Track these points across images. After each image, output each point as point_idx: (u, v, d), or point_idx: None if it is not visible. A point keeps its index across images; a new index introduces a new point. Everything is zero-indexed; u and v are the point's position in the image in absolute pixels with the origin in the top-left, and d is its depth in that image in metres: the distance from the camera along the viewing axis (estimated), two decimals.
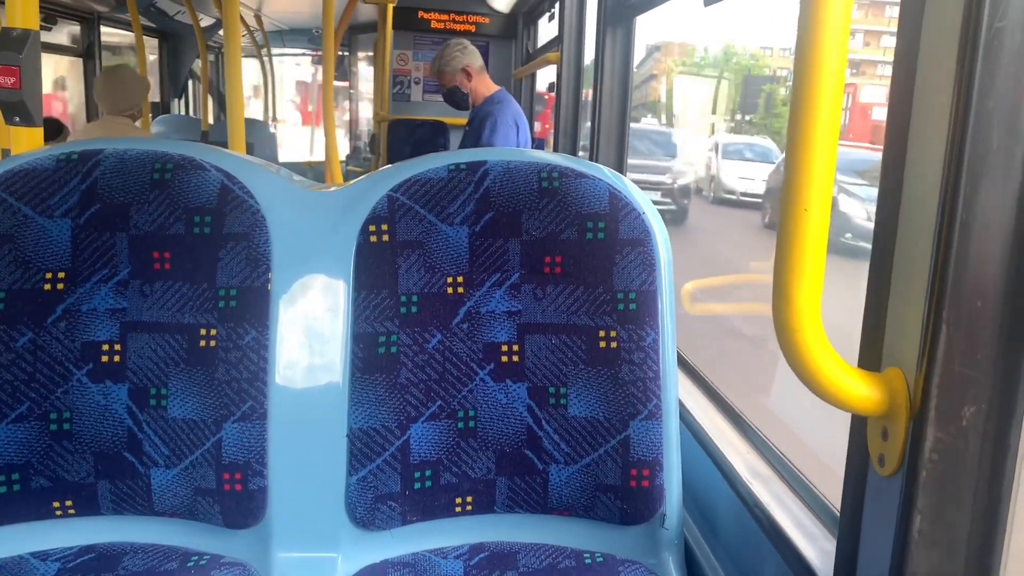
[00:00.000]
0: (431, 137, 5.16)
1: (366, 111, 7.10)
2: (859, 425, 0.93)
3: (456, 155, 1.38)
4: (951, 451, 0.80)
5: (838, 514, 1.15)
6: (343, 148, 7.21)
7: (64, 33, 5.35)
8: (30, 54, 1.34)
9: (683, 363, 1.84)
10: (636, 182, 1.39)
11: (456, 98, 3.84)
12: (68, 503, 1.30)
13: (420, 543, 1.34)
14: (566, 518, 1.35)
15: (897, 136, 0.85)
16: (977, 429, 0.79)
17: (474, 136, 3.68)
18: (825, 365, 0.82)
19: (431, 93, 5.47)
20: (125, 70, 3.73)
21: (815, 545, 1.13)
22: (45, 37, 4.60)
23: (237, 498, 1.28)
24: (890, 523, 0.84)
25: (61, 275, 1.28)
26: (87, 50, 5.41)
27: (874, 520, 0.90)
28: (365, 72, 7.10)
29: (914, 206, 0.83)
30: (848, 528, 0.95)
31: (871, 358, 0.90)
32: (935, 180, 0.78)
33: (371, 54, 6.39)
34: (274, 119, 9.21)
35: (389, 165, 1.42)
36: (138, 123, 3.60)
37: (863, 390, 0.84)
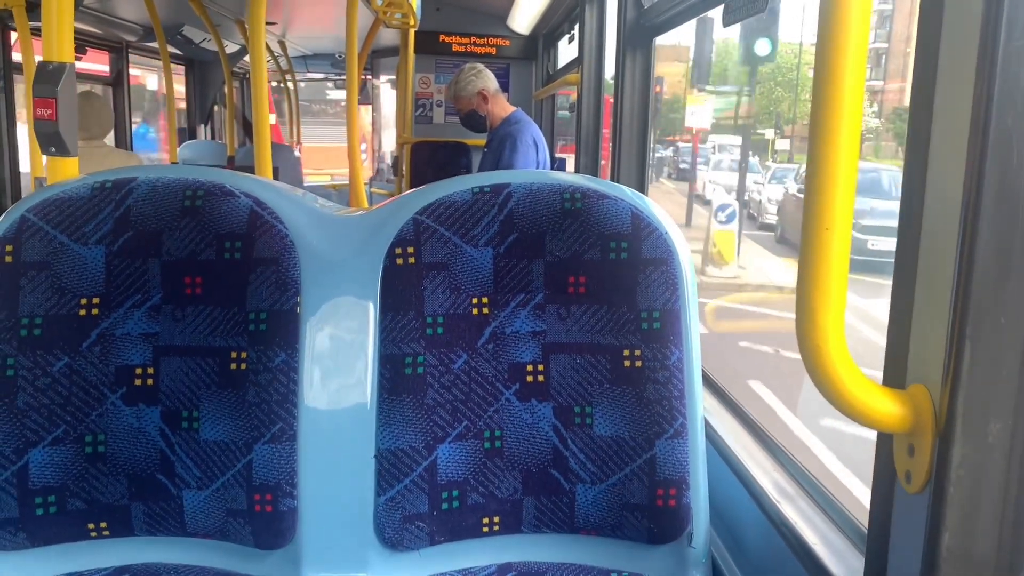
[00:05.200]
0: (453, 158, 5.21)
1: (389, 134, 7.18)
2: (885, 442, 0.93)
3: (480, 178, 1.40)
4: (978, 467, 0.80)
5: (865, 531, 1.15)
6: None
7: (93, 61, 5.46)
8: (66, 86, 1.38)
9: (707, 381, 1.84)
10: None
11: (474, 121, 3.88)
12: (103, 525, 1.32)
13: (448, 563, 1.35)
14: (593, 538, 1.36)
15: (919, 149, 0.86)
16: (1004, 445, 0.79)
17: (493, 157, 3.71)
18: (850, 382, 0.82)
19: (452, 115, 5.51)
20: (93, 97, 3.69)
21: (843, 563, 1.12)
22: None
23: (268, 519, 1.29)
24: (918, 540, 0.84)
25: (96, 301, 1.31)
26: (116, 78, 5.52)
27: (902, 537, 0.90)
28: (387, 95, 7.18)
29: (936, 222, 0.84)
30: (876, 546, 0.95)
31: (896, 375, 0.90)
32: (957, 195, 0.78)
33: (393, 77, 6.46)
34: (298, 143, 9.31)
35: (413, 189, 1.44)
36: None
37: (888, 407, 0.84)
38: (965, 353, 0.78)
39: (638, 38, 2.43)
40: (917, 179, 0.86)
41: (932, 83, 0.84)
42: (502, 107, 3.83)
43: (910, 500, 0.87)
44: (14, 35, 3.88)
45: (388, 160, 7.21)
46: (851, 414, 0.84)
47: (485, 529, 1.35)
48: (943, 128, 0.83)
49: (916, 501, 0.86)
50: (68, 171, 1.44)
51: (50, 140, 1.39)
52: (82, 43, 4.92)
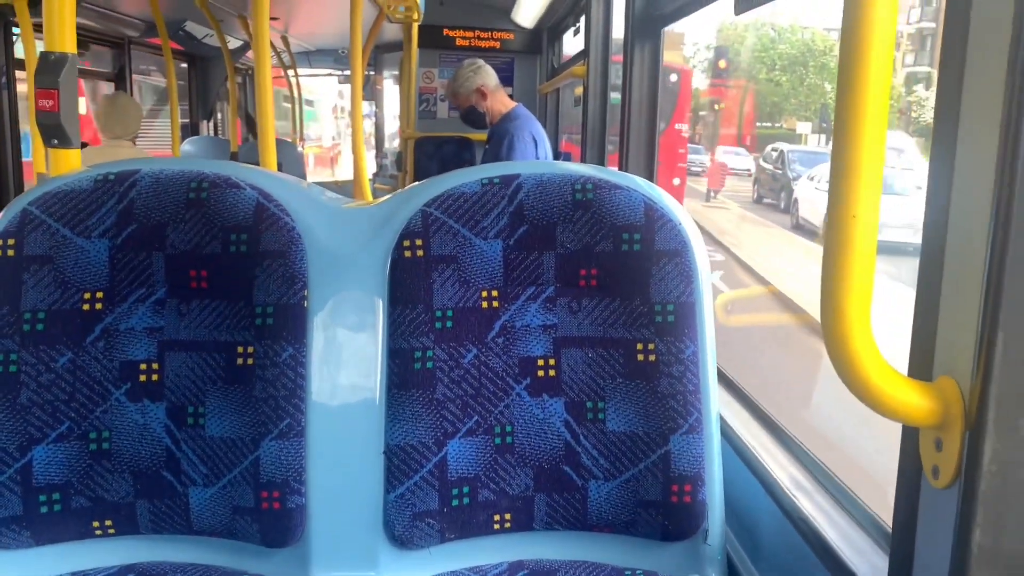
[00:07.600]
0: (457, 153, 5.18)
1: (391, 129, 7.14)
2: (911, 436, 0.90)
3: (489, 169, 1.38)
4: (1011, 462, 0.77)
5: (887, 527, 1.12)
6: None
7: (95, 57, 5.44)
8: (68, 77, 1.36)
9: (721, 376, 1.81)
10: None
11: (473, 118, 3.83)
12: (108, 523, 1.30)
13: (459, 561, 1.33)
14: (606, 535, 1.33)
15: (946, 126, 0.83)
16: None
17: (492, 154, 3.66)
18: (875, 375, 0.80)
19: (456, 110, 5.49)
20: (124, 98, 3.83)
21: (865, 560, 1.10)
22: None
23: (275, 516, 1.27)
24: (946, 537, 0.82)
25: (99, 295, 1.29)
26: (119, 74, 5.50)
27: (929, 534, 0.87)
28: (391, 91, 7.15)
29: (966, 204, 0.81)
30: (901, 542, 0.92)
31: (922, 367, 0.87)
32: (988, 175, 0.75)
33: (397, 73, 6.43)
34: (301, 138, 9.28)
35: (418, 181, 1.42)
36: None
37: (915, 400, 0.81)
38: (998, 344, 0.75)
39: (647, 28, 2.40)
40: (945, 159, 0.83)
41: (960, 64, 0.81)
42: (502, 103, 3.76)
43: (937, 496, 0.85)
44: (16, 32, 3.86)
45: (391, 156, 7.17)
46: (876, 407, 0.82)
47: (496, 526, 1.33)
48: (973, 108, 0.80)
49: (944, 497, 0.83)
50: (71, 163, 1.42)
51: (52, 132, 1.37)
52: (84, 39, 4.90)
